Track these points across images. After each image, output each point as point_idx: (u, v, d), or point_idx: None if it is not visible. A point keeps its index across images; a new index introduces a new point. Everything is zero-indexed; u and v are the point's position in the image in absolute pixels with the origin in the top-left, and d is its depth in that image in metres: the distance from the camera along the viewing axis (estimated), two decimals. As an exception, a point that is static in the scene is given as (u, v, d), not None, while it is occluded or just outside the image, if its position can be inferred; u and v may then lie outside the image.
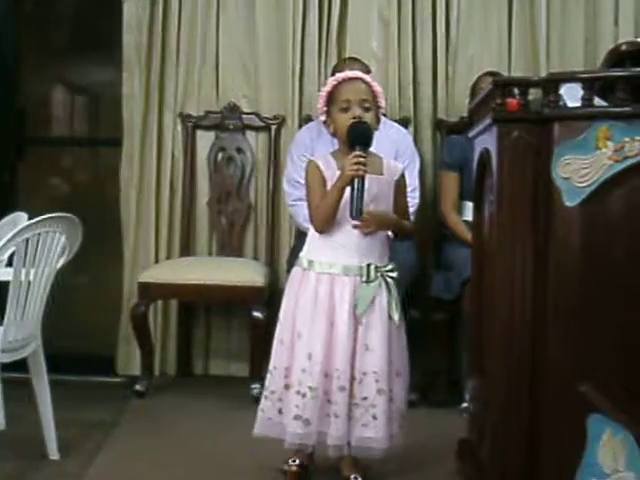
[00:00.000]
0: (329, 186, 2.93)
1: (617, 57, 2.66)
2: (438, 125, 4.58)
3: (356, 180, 2.83)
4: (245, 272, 4.25)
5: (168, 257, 4.63)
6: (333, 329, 2.90)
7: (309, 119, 4.48)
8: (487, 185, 2.59)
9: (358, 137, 2.90)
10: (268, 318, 3.83)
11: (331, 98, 2.98)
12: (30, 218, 3.12)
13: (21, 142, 4.89)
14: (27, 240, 2.93)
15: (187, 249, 4.64)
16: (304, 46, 4.57)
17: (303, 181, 3.12)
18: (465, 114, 4.39)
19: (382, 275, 2.94)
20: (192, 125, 4.66)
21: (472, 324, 2.93)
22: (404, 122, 4.47)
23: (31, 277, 3.03)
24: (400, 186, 3.05)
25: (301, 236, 3.21)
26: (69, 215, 3.10)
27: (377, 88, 2.99)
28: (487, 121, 2.47)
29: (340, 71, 3.16)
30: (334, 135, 3.03)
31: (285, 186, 4.24)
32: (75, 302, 4.76)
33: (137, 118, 4.62)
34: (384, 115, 3.21)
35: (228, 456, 3.36)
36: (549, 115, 2.29)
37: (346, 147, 2.93)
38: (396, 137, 4.17)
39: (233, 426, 3.57)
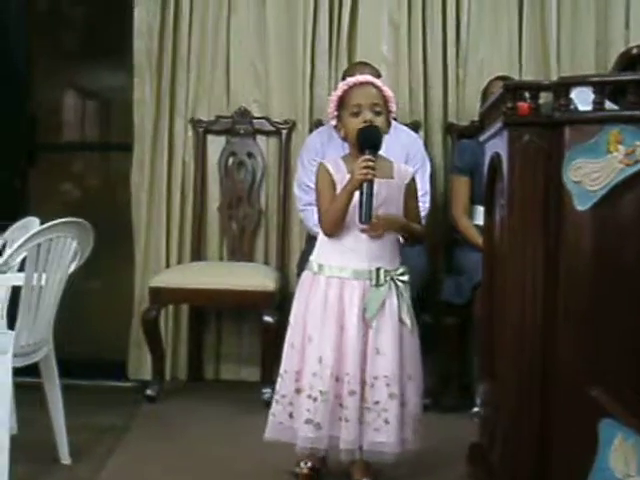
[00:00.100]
0: (339, 190, 2.93)
1: (628, 60, 2.66)
2: (449, 129, 4.58)
3: (365, 184, 2.83)
4: (256, 277, 4.26)
5: (179, 262, 4.64)
6: (343, 333, 2.90)
7: (320, 123, 4.48)
8: (498, 189, 2.59)
9: (367, 141, 2.90)
10: (279, 322, 3.83)
11: (342, 102, 2.99)
12: (42, 223, 3.13)
13: (32, 148, 4.91)
14: (39, 245, 2.94)
15: (198, 254, 4.65)
16: (314, 50, 4.58)
17: (314, 185, 3.12)
18: (476, 118, 4.39)
19: (392, 279, 2.94)
20: (203, 130, 4.67)
21: (483, 328, 2.93)
22: (415, 126, 4.47)
23: (43, 282, 3.04)
24: (411, 190, 3.05)
25: (312, 240, 3.21)
26: (80, 220, 3.11)
27: (388, 92, 2.99)
28: (498, 125, 2.47)
29: (350, 75, 3.17)
30: (345, 139, 3.03)
31: (296, 190, 4.25)
32: (86, 307, 4.77)
33: (148, 123, 4.63)
34: (395, 119, 3.22)
35: (239, 461, 3.36)
36: (560, 119, 2.29)
37: (356, 151, 2.94)
38: (407, 141, 4.17)
39: (244, 431, 3.57)
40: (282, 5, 4.62)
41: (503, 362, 2.45)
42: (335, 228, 2.96)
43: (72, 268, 3.20)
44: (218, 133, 4.71)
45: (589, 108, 2.29)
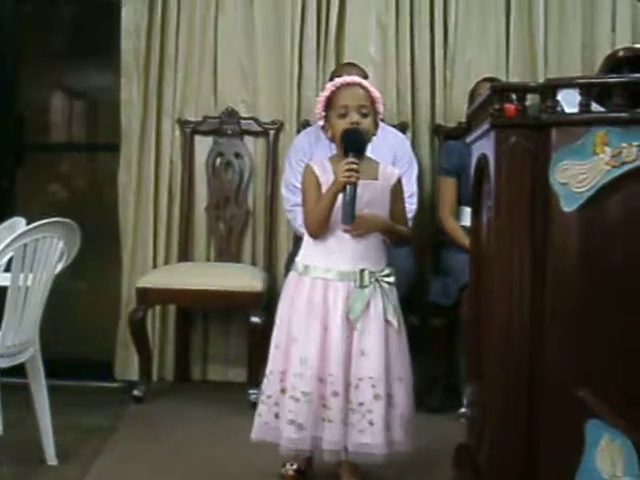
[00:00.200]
0: (324, 191, 2.94)
1: (614, 63, 2.66)
2: (436, 130, 4.59)
3: (348, 187, 2.84)
4: (243, 277, 4.26)
5: (166, 262, 4.63)
6: (327, 334, 2.90)
7: (307, 124, 4.49)
8: (485, 190, 2.59)
9: (351, 144, 2.91)
10: (266, 323, 3.83)
11: (329, 103, 2.99)
12: (28, 223, 3.12)
13: (20, 148, 4.90)
14: (25, 245, 2.93)
15: (185, 254, 4.65)
16: (302, 51, 4.58)
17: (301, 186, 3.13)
18: (463, 119, 4.41)
19: (377, 280, 2.94)
20: (190, 130, 4.67)
21: (470, 329, 2.93)
22: (402, 127, 4.48)
23: (29, 282, 3.03)
24: (396, 192, 3.06)
25: (299, 241, 3.22)
26: (67, 220, 3.10)
27: (375, 94, 3.00)
28: (485, 126, 2.47)
29: (338, 76, 3.17)
30: (332, 140, 3.03)
31: (283, 191, 4.25)
32: (73, 307, 4.76)
33: (135, 123, 4.62)
34: (382, 120, 3.22)
35: (226, 462, 3.36)
36: (547, 121, 2.29)
37: (342, 153, 2.94)
38: (394, 142, 4.18)
39: (231, 432, 3.57)
40: (270, 5, 4.62)
41: (490, 363, 2.45)
42: (319, 229, 2.96)
43: (59, 268, 3.20)
44: (205, 133, 4.71)
45: (576, 110, 2.30)
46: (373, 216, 2.96)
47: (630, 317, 2.21)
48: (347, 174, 2.83)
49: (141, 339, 4.27)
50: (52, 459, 3.29)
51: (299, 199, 3.45)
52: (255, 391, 3.75)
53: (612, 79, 2.39)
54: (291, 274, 3.07)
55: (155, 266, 4.60)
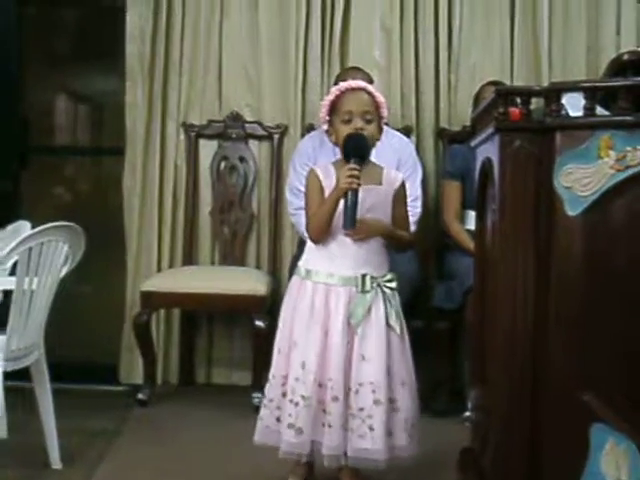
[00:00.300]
0: (327, 195, 2.94)
1: (619, 66, 2.67)
2: (440, 134, 4.59)
3: (349, 193, 2.83)
4: (247, 281, 4.26)
5: (171, 266, 4.64)
6: (327, 339, 2.90)
7: (312, 128, 4.49)
8: (489, 194, 2.59)
9: (353, 150, 2.90)
10: (270, 327, 3.82)
11: (334, 108, 2.98)
12: (33, 227, 3.13)
13: (24, 151, 4.90)
14: (30, 249, 2.94)
15: (190, 258, 4.65)
16: (307, 55, 4.59)
17: (305, 190, 3.13)
18: (467, 123, 4.40)
19: (379, 285, 2.94)
20: (195, 134, 4.67)
21: (474, 333, 2.93)
22: (406, 131, 4.48)
23: (34, 286, 3.04)
24: (399, 196, 3.05)
25: (303, 245, 3.22)
26: (72, 224, 3.11)
27: (380, 98, 2.99)
28: (489, 130, 2.47)
29: (343, 80, 3.16)
30: (336, 144, 3.03)
31: (287, 195, 4.25)
32: (78, 311, 4.76)
33: (140, 127, 4.63)
34: (386, 124, 3.22)
35: (230, 466, 3.36)
36: (551, 124, 2.29)
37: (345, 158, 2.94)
38: (398, 146, 4.18)
39: (235, 435, 3.57)
40: (274, 10, 4.63)
41: (494, 367, 2.45)
42: (320, 234, 2.96)
43: (63, 272, 3.20)
44: (210, 137, 4.71)
45: (580, 114, 2.30)
46: (374, 221, 2.96)
47: (634, 321, 2.21)
48: (348, 180, 2.83)
49: (146, 343, 4.28)
50: (57, 463, 3.29)
51: (303, 203, 3.45)
52: (259, 395, 3.73)
53: (617, 82, 2.39)
54: (294, 278, 3.07)
55: (159, 270, 4.60)
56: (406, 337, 3.02)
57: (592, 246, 2.24)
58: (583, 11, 4.53)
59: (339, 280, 2.93)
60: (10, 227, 3.66)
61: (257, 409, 3.13)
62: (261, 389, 3.14)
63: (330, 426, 2.88)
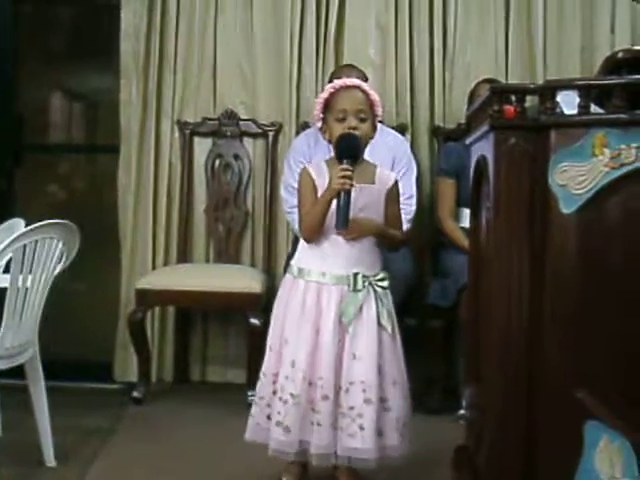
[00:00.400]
0: (320, 194, 2.93)
1: (613, 65, 2.66)
2: (435, 132, 4.59)
3: (342, 193, 2.83)
4: (242, 279, 4.26)
5: (165, 264, 4.63)
6: (318, 338, 2.90)
7: (306, 126, 4.49)
8: (484, 192, 2.59)
9: (345, 150, 2.89)
10: (265, 325, 3.79)
11: (328, 106, 2.98)
12: (27, 225, 3.12)
13: (18, 148, 4.90)
14: (24, 246, 2.93)
15: (184, 256, 4.65)
16: (301, 53, 4.59)
17: (299, 188, 3.12)
18: (462, 121, 4.41)
19: (371, 284, 2.93)
20: (189, 132, 4.67)
21: (469, 330, 2.93)
22: (401, 129, 4.48)
23: (28, 284, 3.03)
24: (392, 195, 3.04)
25: (298, 243, 3.22)
26: (66, 222, 3.11)
27: (374, 97, 2.98)
28: (484, 128, 2.47)
29: (337, 78, 3.16)
30: (330, 142, 3.02)
31: (282, 193, 4.25)
32: (72, 308, 4.76)
33: (134, 125, 4.62)
34: (381, 122, 3.21)
35: (224, 464, 3.36)
36: (546, 122, 2.29)
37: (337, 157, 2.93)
38: (393, 144, 4.18)
39: (230, 433, 3.56)
40: (269, 7, 4.62)
41: (489, 364, 2.45)
42: (313, 234, 2.96)
43: (58, 270, 3.20)
44: (205, 135, 4.71)
45: (575, 112, 2.30)
46: (367, 220, 2.95)
47: (629, 318, 2.21)
48: (341, 181, 2.82)
49: (140, 340, 4.27)
50: (51, 461, 3.29)
51: (297, 201, 3.45)
52: (253, 392, 3.74)
53: (611, 81, 2.39)
54: (286, 276, 3.08)
55: (154, 267, 4.60)
56: (398, 336, 3.01)
57: (587, 244, 2.25)
58: (577, 10, 4.54)
59: (331, 279, 2.93)
60: (4, 225, 3.65)
61: (251, 407, 3.13)
62: (255, 387, 3.13)
63: (319, 425, 2.87)
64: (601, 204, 2.23)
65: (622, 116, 2.22)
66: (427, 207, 4.50)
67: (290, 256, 3.73)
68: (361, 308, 2.91)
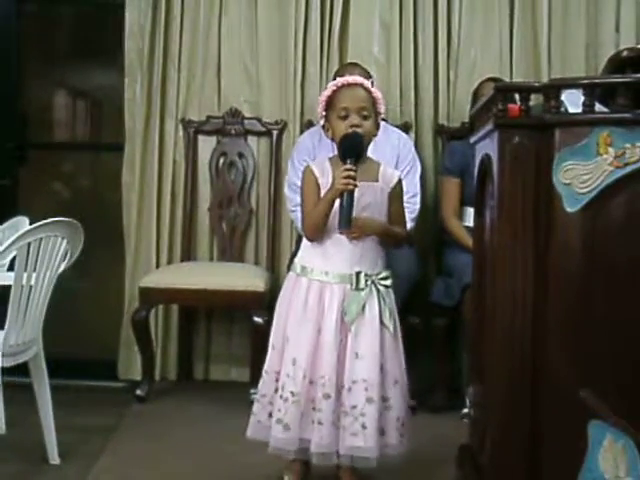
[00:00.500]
0: (323, 193, 2.93)
1: (618, 63, 2.66)
2: (439, 131, 4.58)
3: (345, 193, 2.82)
4: (246, 277, 4.26)
5: (169, 262, 4.63)
6: (320, 336, 2.89)
7: (310, 124, 4.49)
8: (488, 191, 2.59)
9: (349, 150, 2.88)
10: (269, 323, 3.79)
11: (330, 104, 2.97)
12: (32, 222, 3.13)
13: (23, 146, 4.90)
14: (29, 244, 2.93)
15: (188, 254, 4.65)
16: (306, 51, 4.58)
17: (303, 186, 3.12)
18: (466, 120, 4.41)
19: (373, 283, 2.93)
20: (194, 130, 4.67)
21: (472, 329, 2.93)
22: (405, 127, 4.48)
23: (32, 281, 3.04)
24: (395, 194, 3.04)
25: (301, 241, 3.22)
26: (71, 220, 3.11)
27: (377, 94, 2.98)
28: (488, 127, 2.47)
29: (341, 76, 3.14)
30: (333, 140, 3.02)
31: (286, 191, 4.25)
32: (76, 307, 4.76)
33: (139, 123, 4.63)
34: (385, 120, 3.21)
35: (228, 461, 3.36)
36: (550, 121, 2.29)
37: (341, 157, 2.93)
38: (397, 143, 4.18)
39: (233, 431, 3.56)
40: (273, 5, 4.62)
41: (493, 363, 2.45)
42: (315, 233, 2.96)
43: (62, 268, 3.20)
44: (209, 133, 4.71)
45: (579, 110, 2.30)
46: (370, 220, 2.95)
47: (633, 317, 2.21)
48: (344, 181, 2.82)
49: (144, 339, 4.28)
50: (55, 458, 3.30)
51: (301, 200, 3.45)
52: (256, 390, 3.74)
53: (616, 79, 2.39)
54: (289, 274, 3.08)
55: (158, 266, 4.60)
56: (399, 335, 3.01)
57: (590, 243, 2.24)
58: (582, 8, 4.53)
59: (334, 278, 2.93)
60: (8, 223, 3.66)
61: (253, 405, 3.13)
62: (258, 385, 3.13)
63: (320, 423, 2.87)
64: (605, 203, 2.23)
65: (627, 115, 2.22)
66: (431, 206, 4.50)
67: (294, 254, 3.73)
68: (364, 307, 2.90)
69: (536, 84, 2.48)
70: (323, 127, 3.05)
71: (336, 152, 3.01)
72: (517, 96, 2.38)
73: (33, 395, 3.27)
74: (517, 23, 4.55)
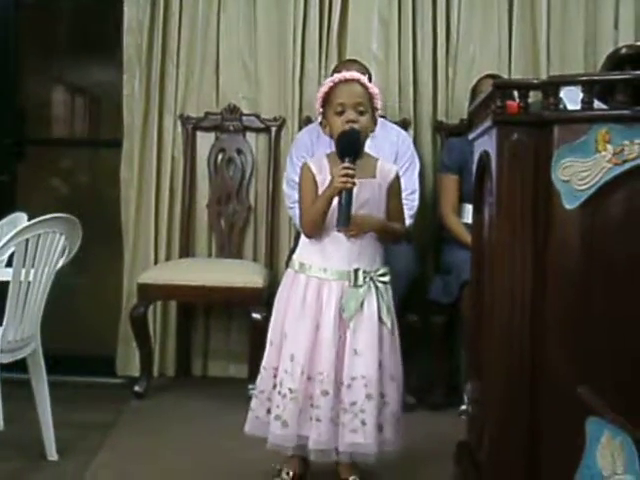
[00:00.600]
0: (321, 190, 2.93)
1: (617, 60, 2.66)
2: (438, 127, 4.58)
3: (344, 192, 2.82)
4: (244, 273, 4.26)
5: (167, 258, 4.63)
6: (318, 333, 2.89)
7: (309, 121, 4.48)
8: (486, 187, 2.59)
9: (347, 148, 2.88)
10: (267, 319, 3.79)
11: (327, 100, 2.96)
12: (30, 219, 3.13)
13: (21, 142, 4.89)
14: (27, 240, 2.93)
15: (186, 250, 4.65)
16: (304, 48, 4.58)
17: (301, 183, 3.12)
18: (465, 116, 4.40)
19: (372, 279, 2.93)
20: (192, 126, 4.67)
21: (471, 326, 2.93)
22: (404, 124, 4.47)
23: (31, 277, 3.04)
24: (393, 189, 3.03)
25: (300, 237, 3.22)
26: (69, 216, 3.11)
27: (373, 90, 2.97)
28: (487, 123, 2.47)
29: (339, 72, 3.15)
30: (331, 136, 3.01)
31: (285, 188, 4.25)
32: (74, 303, 4.76)
33: (137, 119, 4.62)
34: (383, 117, 3.20)
35: (226, 458, 3.36)
36: (549, 118, 2.29)
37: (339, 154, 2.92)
38: (396, 139, 4.18)
39: (231, 427, 3.56)
40: (272, 2, 4.62)
41: (491, 360, 2.45)
42: (314, 230, 2.96)
43: (60, 264, 3.20)
44: (207, 129, 4.71)
45: (578, 107, 2.30)
46: (368, 217, 2.94)
47: (631, 314, 2.21)
48: (343, 179, 2.81)
49: (142, 335, 4.28)
50: (53, 454, 3.30)
51: (299, 196, 3.45)
52: (254, 386, 3.74)
53: (614, 76, 2.39)
54: (287, 271, 3.07)
55: (156, 262, 4.60)
56: (396, 331, 3.01)
57: (589, 239, 2.24)
58: (581, 5, 4.52)
59: (332, 274, 2.93)
60: (7, 219, 3.65)
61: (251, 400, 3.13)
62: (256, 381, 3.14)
63: (319, 420, 2.87)
64: (604, 200, 2.23)
65: (625, 112, 2.22)
66: (430, 203, 4.49)
67: (292, 251, 3.73)
68: (362, 304, 2.90)
69: (535, 81, 2.48)
70: (321, 124, 3.04)
71: (334, 148, 3.01)
72: (516, 93, 2.38)
73: (31, 391, 3.27)
74: (516, 20, 4.55)
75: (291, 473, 3.07)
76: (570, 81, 2.43)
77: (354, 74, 3.01)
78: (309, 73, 4.59)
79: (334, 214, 2.86)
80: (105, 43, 4.93)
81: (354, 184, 2.82)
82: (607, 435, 2.22)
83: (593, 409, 2.23)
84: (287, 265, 3.18)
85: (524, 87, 2.39)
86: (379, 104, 2.99)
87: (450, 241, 4.23)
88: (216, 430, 3.70)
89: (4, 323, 3.00)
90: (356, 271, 2.91)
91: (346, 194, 2.82)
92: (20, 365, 3.19)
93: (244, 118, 4.67)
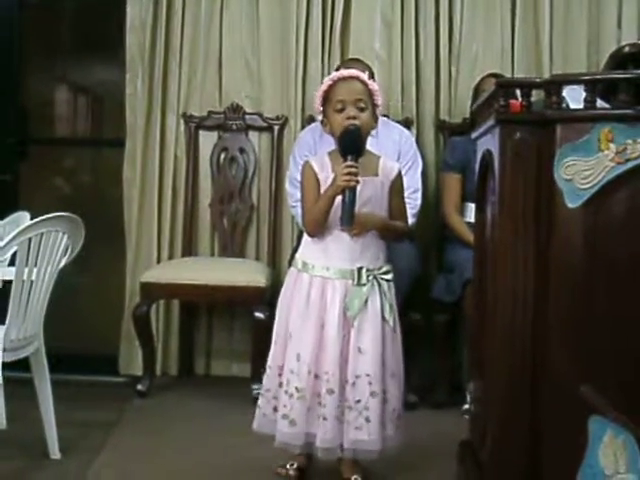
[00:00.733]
0: (323, 189, 2.93)
1: (620, 59, 2.66)
2: (441, 126, 4.58)
3: (347, 190, 2.82)
4: (247, 272, 4.26)
5: (170, 257, 4.63)
6: (323, 332, 2.90)
7: (312, 120, 4.48)
8: (489, 186, 2.59)
9: (349, 146, 2.88)
10: (270, 319, 3.79)
11: (327, 98, 2.96)
12: (33, 218, 3.12)
13: (24, 141, 4.89)
14: (30, 239, 2.93)
15: (189, 249, 4.65)
16: (307, 47, 4.57)
17: (304, 182, 3.12)
18: (468, 115, 4.40)
19: (375, 277, 2.93)
20: (195, 125, 4.67)
21: (473, 325, 2.93)
22: (407, 123, 4.47)
23: (33, 276, 3.04)
24: (396, 187, 3.03)
25: (303, 237, 3.22)
26: (72, 215, 3.11)
27: (373, 86, 2.96)
28: (490, 122, 2.47)
29: (340, 71, 3.15)
30: (331, 134, 3.01)
31: (287, 187, 4.25)
32: (77, 302, 4.76)
33: (140, 118, 4.62)
34: (386, 116, 3.20)
35: (229, 457, 3.36)
36: (552, 117, 2.29)
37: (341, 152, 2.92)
38: (398, 138, 4.17)
39: (234, 427, 3.58)
40: (275, 0, 4.61)
41: (493, 359, 2.45)
42: (316, 229, 2.96)
43: (63, 263, 3.20)
44: (210, 129, 4.71)
45: (581, 106, 2.30)
46: (371, 216, 2.95)
47: (634, 313, 2.21)
48: (346, 178, 2.81)
49: (145, 334, 4.28)
50: (55, 453, 3.30)
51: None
52: (258, 386, 3.74)
53: (617, 75, 2.39)
54: (290, 270, 3.08)
55: (159, 261, 4.60)
56: (398, 329, 3.02)
57: (592, 239, 2.24)
58: (584, 4, 4.52)
59: (335, 273, 2.93)
60: (9, 218, 3.66)
61: (256, 401, 3.14)
62: (260, 381, 3.15)
63: (325, 419, 2.88)
64: (606, 199, 2.23)
65: (628, 111, 2.22)
66: (432, 202, 4.49)
67: (295, 249, 3.73)
68: (366, 302, 2.91)
69: (537, 80, 2.47)
70: (322, 122, 3.04)
71: (335, 146, 3.01)
72: (518, 92, 2.38)
73: (34, 390, 3.27)
74: (519, 19, 4.54)
75: (295, 465, 3.08)
76: (573, 80, 2.43)
77: (353, 71, 3.01)
78: (312, 72, 4.58)
79: (337, 213, 2.86)
80: (108, 42, 4.93)
81: (357, 182, 2.82)
82: (609, 434, 2.22)
83: (595, 408, 2.23)
84: (290, 264, 3.19)
85: (527, 86, 2.39)
86: (379, 100, 2.99)
87: (453, 240, 4.23)
88: (219, 429, 3.70)
89: (7, 322, 3.00)
90: (359, 269, 2.91)
91: (349, 193, 2.82)
92: (23, 364, 3.19)
93: (247, 117, 4.66)
